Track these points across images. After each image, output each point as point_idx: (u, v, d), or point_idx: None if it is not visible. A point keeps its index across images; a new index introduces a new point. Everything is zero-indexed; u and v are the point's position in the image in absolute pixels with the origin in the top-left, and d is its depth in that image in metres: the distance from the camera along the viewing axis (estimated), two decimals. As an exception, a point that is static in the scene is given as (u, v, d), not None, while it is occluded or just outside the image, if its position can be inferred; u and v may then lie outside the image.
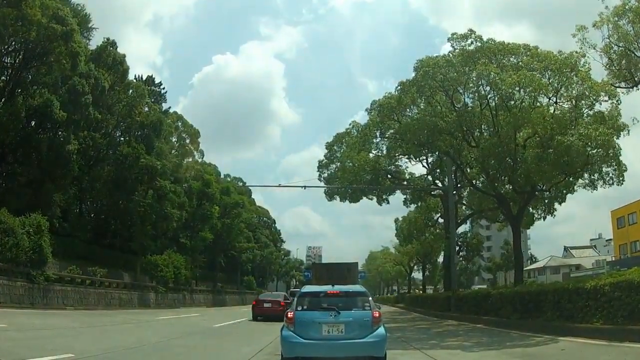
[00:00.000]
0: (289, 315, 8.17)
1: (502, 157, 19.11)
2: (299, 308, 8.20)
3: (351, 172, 27.06)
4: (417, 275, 69.61)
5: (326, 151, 31.06)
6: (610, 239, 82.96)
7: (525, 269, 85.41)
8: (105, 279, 29.58)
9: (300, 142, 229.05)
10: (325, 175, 30.94)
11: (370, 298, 8.47)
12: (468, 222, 40.39)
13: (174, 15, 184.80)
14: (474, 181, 25.64)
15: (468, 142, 21.52)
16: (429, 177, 33.78)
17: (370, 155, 27.87)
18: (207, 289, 51.58)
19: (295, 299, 8.75)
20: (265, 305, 23.75)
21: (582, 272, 61.65)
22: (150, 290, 34.99)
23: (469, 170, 25.45)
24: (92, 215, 41.95)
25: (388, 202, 31.41)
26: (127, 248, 38.77)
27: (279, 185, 29.14)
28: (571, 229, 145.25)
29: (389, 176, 30.88)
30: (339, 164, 29.40)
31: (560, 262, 79.66)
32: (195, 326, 20.28)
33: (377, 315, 8.05)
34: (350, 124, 30.59)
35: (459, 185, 30.74)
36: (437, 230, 36.71)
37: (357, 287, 9.06)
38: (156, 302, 35.06)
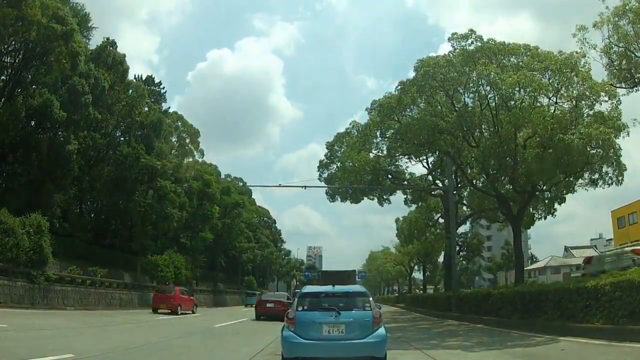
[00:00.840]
0: (289, 316, 8.16)
1: (503, 157, 19.10)
2: (300, 308, 8.20)
3: (351, 172, 27.02)
4: (418, 275, 69.74)
5: (326, 151, 31.18)
6: (611, 239, 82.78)
7: (525, 268, 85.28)
8: (106, 279, 29.61)
9: (300, 140, 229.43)
10: (326, 175, 31.00)
11: (371, 298, 8.48)
12: (468, 222, 40.39)
13: (171, 11, 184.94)
14: (474, 181, 25.63)
15: (468, 142, 21.50)
16: (429, 177, 33.84)
17: (371, 155, 27.83)
18: (208, 289, 51.63)
19: (296, 299, 8.75)
20: (268, 305, 24.42)
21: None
22: (150, 290, 34.94)
23: (469, 170, 25.41)
24: (92, 215, 41.95)
25: (389, 202, 31.53)
26: (128, 248, 38.78)
27: (279, 185, 28.99)
28: (572, 229, 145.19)
29: (389, 176, 30.84)
30: (339, 164, 29.39)
31: (560, 261, 79.22)
32: (196, 326, 20.29)
33: (378, 315, 8.06)
34: (350, 124, 30.65)
35: (459, 185, 30.72)
36: (438, 230, 36.71)
37: (358, 288, 9.04)
38: (157, 302, 35.04)
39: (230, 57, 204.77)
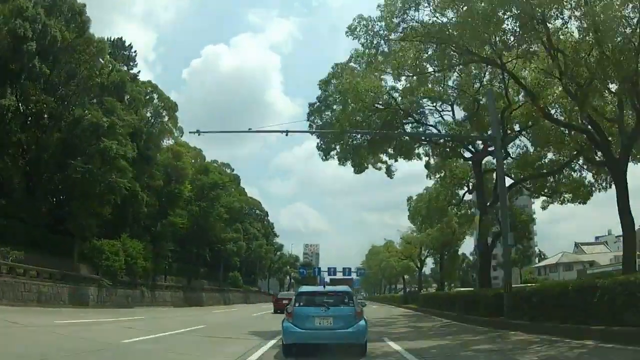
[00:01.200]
0: (288, 310, 9.96)
1: (604, 51, 10.98)
2: (297, 304, 9.91)
3: (354, 112, 18.65)
4: (426, 270, 62.53)
5: (319, 92, 22.50)
6: (621, 235, 76.39)
7: (535, 265, 79.04)
8: (18, 265, 21.63)
9: (299, 137, 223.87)
10: (320, 123, 22.43)
11: (354, 297, 10.45)
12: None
13: (167, 6, 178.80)
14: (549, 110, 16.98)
15: (543, 43, 13.38)
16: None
17: (386, 81, 18.81)
18: (178, 285, 42.76)
19: (294, 297, 10.52)
20: (284, 301, 26.76)
21: (599, 269, 55.30)
22: (91, 283, 26.86)
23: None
24: (39, 191, 34.02)
25: (410, 159, 22.42)
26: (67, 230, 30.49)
27: (249, 130, 20.40)
28: (571, 228, 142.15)
29: (408, 119, 22.15)
30: (338, 97, 20.60)
31: (572, 258, 76.60)
32: (87, 342, 11.81)
33: (360, 310, 9.91)
34: (354, 19, 18.14)
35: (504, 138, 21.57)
36: (463, 211, 28.62)
37: (345, 288, 10.82)
38: (98, 300, 26.81)
39: (227, 53, 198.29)
